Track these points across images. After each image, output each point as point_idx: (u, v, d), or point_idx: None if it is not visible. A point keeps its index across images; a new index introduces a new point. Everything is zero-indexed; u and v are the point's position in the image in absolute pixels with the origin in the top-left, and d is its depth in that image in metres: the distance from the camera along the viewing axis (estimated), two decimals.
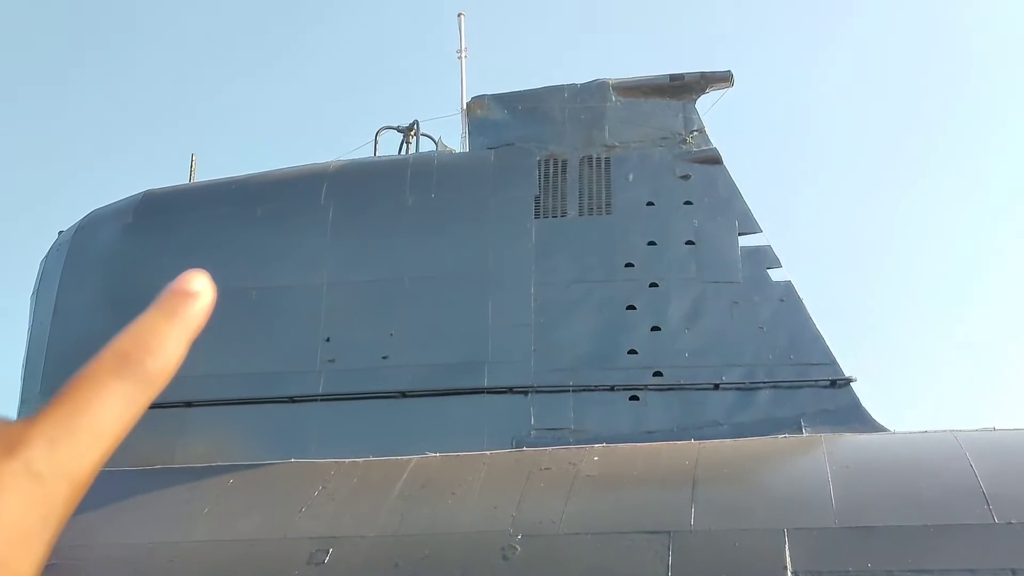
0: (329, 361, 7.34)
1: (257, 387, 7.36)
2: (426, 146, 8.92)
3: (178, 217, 8.25)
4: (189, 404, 7.49)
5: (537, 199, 7.54)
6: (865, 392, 6.68)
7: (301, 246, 7.79)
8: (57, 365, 8.21)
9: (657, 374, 6.83)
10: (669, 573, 4.86)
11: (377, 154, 8.75)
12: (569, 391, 6.86)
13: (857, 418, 6.51)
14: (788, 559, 4.77)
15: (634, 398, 6.79)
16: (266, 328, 7.57)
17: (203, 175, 9.16)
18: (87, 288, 8.33)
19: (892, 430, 6.40)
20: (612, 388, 6.82)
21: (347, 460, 6.69)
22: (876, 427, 6.43)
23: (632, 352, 6.93)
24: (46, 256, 9.04)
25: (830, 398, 6.64)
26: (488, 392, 6.96)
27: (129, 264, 8.21)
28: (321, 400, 7.22)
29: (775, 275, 7.10)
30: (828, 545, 4.83)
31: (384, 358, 7.24)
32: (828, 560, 4.73)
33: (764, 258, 7.13)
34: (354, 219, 7.79)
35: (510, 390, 6.94)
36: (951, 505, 4.92)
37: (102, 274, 8.32)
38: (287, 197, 8.07)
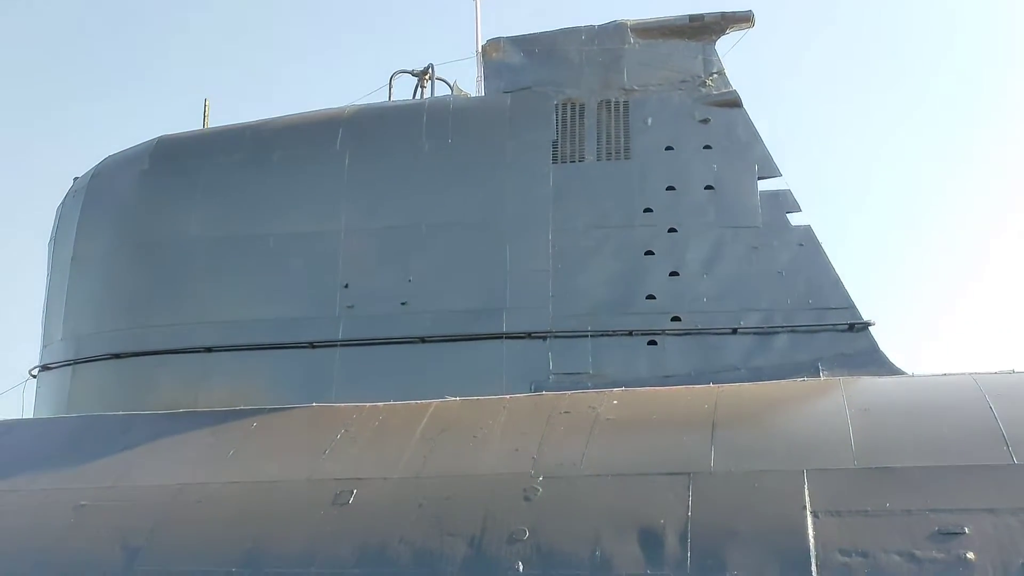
0: (348, 307, 7.39)
1: (277, 333, 7.43)
2: (441, 90, 8.83)
3: (194, 163, 8.24)
4: (210, 350, 7.58)
5: (554, 144, 7.48)
6: (883, 336, 6.71)
7: (318, 192, 7.79)
8: (78, 311, 8.30)
9: (675, 319, 6.86)
10: (689, 513, 4.94)
11: (391, 99, 8.67)
12: (587, 336, 6.90)
13: (875, 362, 6.54)
14: (807, 499, 4.84)
15: (652, 343, 6.83)
16: (285, 275, 7.61)
17: (216, 121, 9.13)
18: (105, 234, 8.37)
19: (910, 373, 6.43)
20: (630, 333, 6.86)
21: (368, 404, 6.78)
22: (894, 370, 6.46)
23: (650, 297, 6.95)
24: (62, 203, 9.08)
25: (848, 342, 6.66)
26: (507, 337, 7.00)
27: (146, 210, 8.24)
28: (341, 345, 7.29)
29: (794, 219, 7.07)
30: (847, 485, 4.89)
31: (403, 304, 7.29)
32: (847, 500, 4.80)
33: (784, 202, 7.09)
34: (370, 165, 7.76)
35: (528, 335, 6.98)
36: (969, 446, 4.97)
37: (119, 220, 8.36)
38: (303, 143, 8.03)
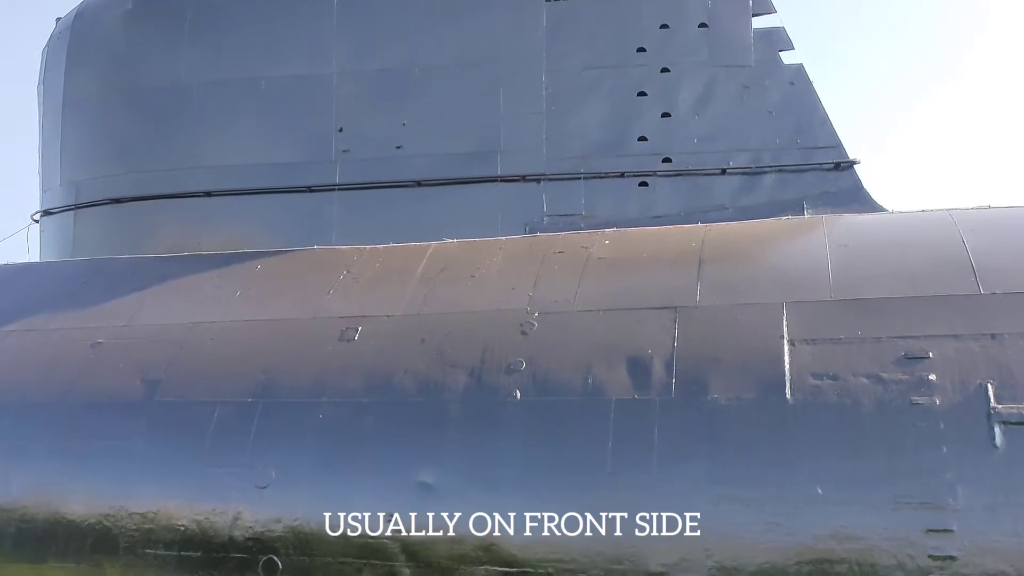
0: (344, 151, 7.49)
1: (275, 177, 7.56)
2: None
3: (179, 3, 8.08)
4: (209, 194, 7.72)
5: None
6: (869, 174, 6.90)
7: (308, 35, 7.71)
8: (75, 156, 8.37)
9: (666, 160, 7.00)
10: (675, 344, 5.28)
11: None
12: (580, 178, 7.06)
13: (858, 199, 6.75)
14: (785, 329, 5.17)
15: (643, 184, 7.01)
16: (278, 119, 7.65)
17: None
18: (94, 77, 8.33)
19: (891, 210, 6.66)
20: (622, 175, 7.02)
21: (368, 246, 7.01)
22: (876, 208, 6.69)
23: (642, 139, 7.06)
24: (47, 44, 8.94)
25: (833, 180, 6.85)
26: (501, 180, 7.16)
27: (133, 51, 8.17)
28: (338, 189, 7.44)
29: (787, 58, 7.08)
30: (823, 316, 5.20)
31: (398, 148, 7.38)
32: (822, 329, 5.12)
33: (777, 40, 7.08)
34: (360, 6, 7.65)
35: (522, 178, 7.13)
36: (941, 278, 5.25)
37: (107, 63, 8.29)
38: None
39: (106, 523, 5.66)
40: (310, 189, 7.50)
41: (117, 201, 8.00)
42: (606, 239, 6.50)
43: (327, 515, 5.31)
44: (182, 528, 5.53)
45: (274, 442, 5.60)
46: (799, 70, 7.03)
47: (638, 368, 5.20)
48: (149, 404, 6.01)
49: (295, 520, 5.35)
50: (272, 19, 7.79)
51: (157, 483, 5.70)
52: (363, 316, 6.13)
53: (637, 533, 4.75)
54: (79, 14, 8.59)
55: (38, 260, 8.61)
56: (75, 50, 8.47)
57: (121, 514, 5.64)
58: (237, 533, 5.41)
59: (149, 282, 7.17)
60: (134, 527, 5.61)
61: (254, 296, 6.71)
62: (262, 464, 5.53)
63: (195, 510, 5.54)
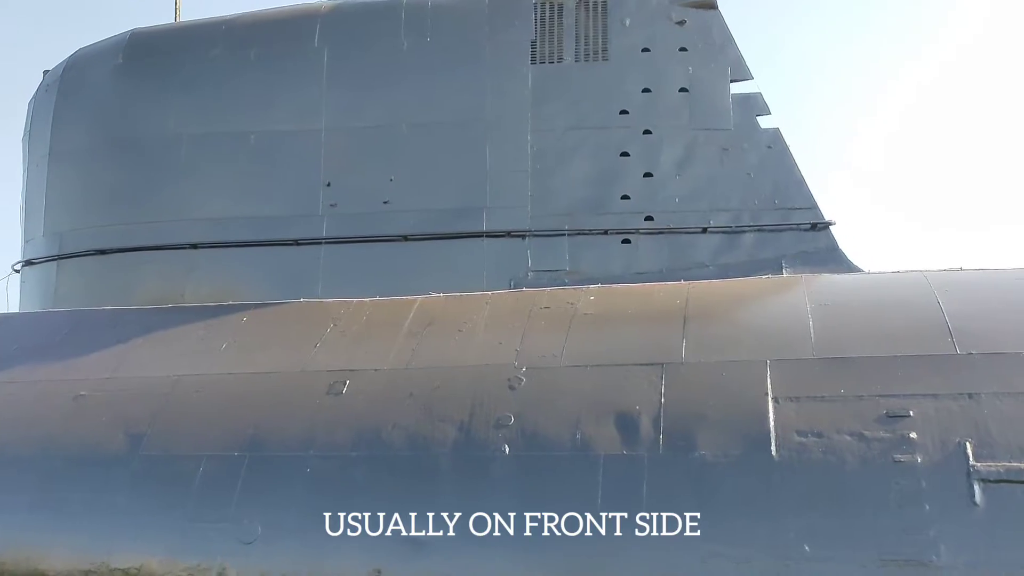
0: (331, 205, 7.58)
1: (262, 230, 7.62)
2: None
3: (169, 58, 8.21)
4: (195, 246, 7.76)
5: (533, 44, 7.59)
6: (843, 236, 7.13)
7: (297, 91, 7.85)
8: (60, 206, 8.38)
9: (648, 218, 7.18)
10: (662, 400, 5.37)
11: None
12: (565, 235, 7.20)
13: (834, 259, 6.96)
14: (769, 386, 5.28)
15: (626, 241, 7.17)
16: (267, 173, 7.75)
17: (188, 15, 9.02)
18: (81, 129, 8.39)
19: (866, 270, 6.87)
20: (606, 232, 7.17)
21: (355, 300, 7.07)
22: (852, 268, 6.89)
23: (625, 197, 7.24)
24: (34, 96, 9.00)
25: (810, 240, 7.06)
26: (487, 236, 7.28)
27: (123, 104, 8.25)
28: (325, 243, 7.51)
29: (764, 122, 7.33)
30: (806, 374, 5.33)
31: (385, 203, 7.49)
32: (805, 387, 5.24)
33: (754, 105, 7.34)
34: (349, 64, 7.82)
35: (508, 234, 7.26)
36: (918, 338, 5.41)
37: (95, 115, 8.36)
38: (280, 40, 8.03)
39: None
40: (297, 242, 7.56)
41: (101, 252, 8.00)
42: (591, 295, 6.62)
43: (314, 571, 5.28)
44: None
45: (261, 497, 5.58)
46: (776, 134, 7.28)
47: (626, 424, 5.28)
48: (133, 458, 5.96)
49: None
50: (262, 75, 7.94)
51: (140, 538, 5.63)
52: (351, 370, 6.17)
53: None
54: (68, 67, 8.68)
55: (18, 311, 8.55)
56: (63, 101, 8.53)
57: (102, 570, 5.56)
58: None
59: (133, 334, 7.15)
60: None
61: (240, 349, 6.72)
62: (248, 519, 5.50)
63: (178, 566, 5.48)
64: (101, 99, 8.33)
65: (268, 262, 7.60)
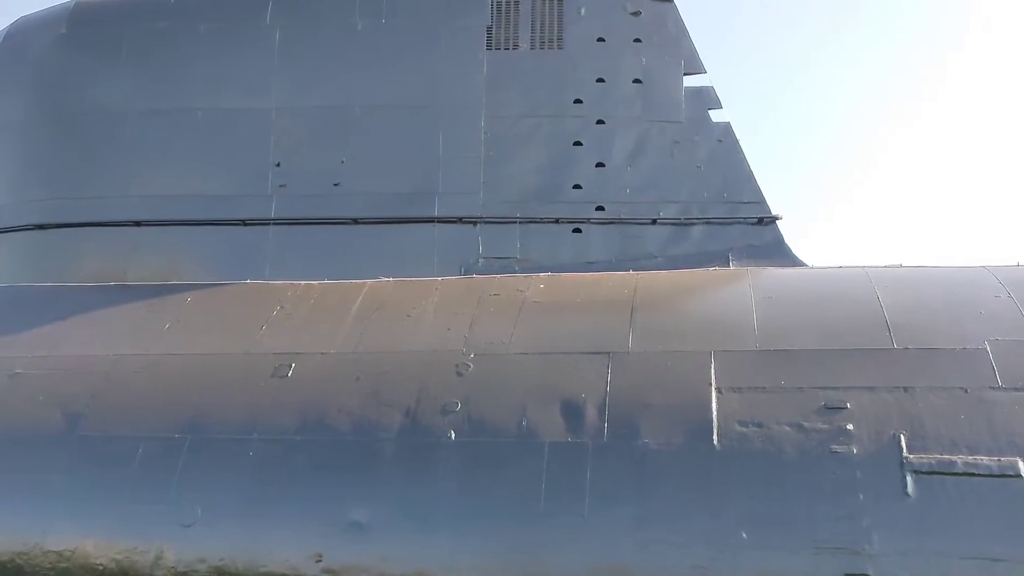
0: (280, 186, 7.48)
1: (209, 209, 7.49)
2: None
3: (115, 30, 8.01)
4: (139, 223, 7.59)
5: (489, 30, 7.56)
6: (788, 230, 7.25)
7: (248, 68, 7.72)
8: (3, 175, 8.12)
9: (600, 208, 7.22)
10: (608, 388, 5.42)
11: None
12: (516, 222, 7.21)
13: (780, 253, 7.08)
14: (713, 377, 5.36)
15: (577, 231, 7.20)
16: (215, 151, 7.61)
17: None
18: (22, 100, 8.14)
19: (810, 265, 7.00)
20: (557, 221, 7.19)
21: (303, 282, 6.99)
22: (796, 262, 7.02)
23: (577, 187, 7.27)
24: None
25: (757, 234, 7.17)
26: (438, 221, 7.25)
27: (65, 76, 8.03)
28: (274, 224, 7.41)
29: (715, 116, 7.41)
30: (749, 365, 5.42)
31: (336, 185, 7.41)
32: (748, 378, 5.33)
33: (706, 99, 7.41)
34: (301, 43, 7.71)
35: (460, 220, 7.24)
36: (858, 332, 5.53)
37: (37, 86, 8.12)
38: (230, 16, 7.88)
39: (19, 561, 5.44)
40: (244, 223, 7.44)
41: (40, 227, 7.78)
42: (541, 283, 6.64)
43: (254, 555, 5.22)
44: (100, 567, 5.35)
45: (201, 479, 5.50)
46: (727, 128, 7.36)
47: (572, 411, 5.31)
48: (70, 438, 5.83)
49: (220, 560, 5.25)
50: (212, 51, 7.78)
51: (75, 520, 5.51)
52: (297, 353, 6.10)
53: (567, 574, 4.82)
54: (9, 35, 8.40)
55: None
56: (2, 71, 8.27)
57: (36, 552, 5.44)
58: (159, 573, 5.27)
59: (72, 311, 6.98)
60: (49, 566, 5.41)
61: (183, 329, 6.60)
62: (188, 502, 5.42)
63: (115, 548, 5.38)
64: (43, 70, 8.09)
65: (214, 242, 7.47)
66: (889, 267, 6.56)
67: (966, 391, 5.03)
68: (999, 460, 4.70)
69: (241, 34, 7.77)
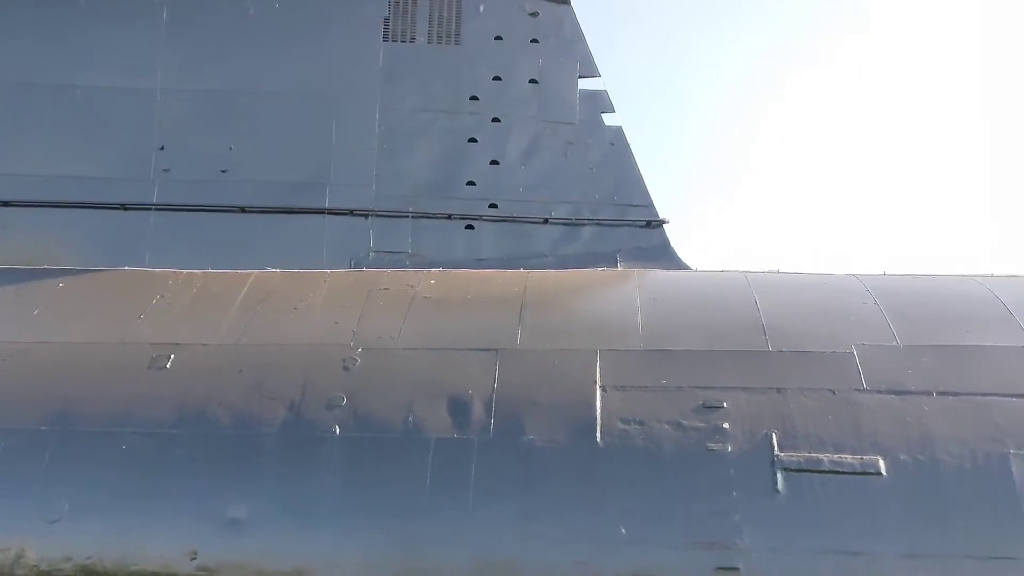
0: (164, 170, 7.21)
1: (86, 191, 7.15)
2: None
3: None
4: (7, 203, 7.18)
5: (386, 21, 7.49)
6: (674, 234, 7.49)
7: (132, 46, 7.41)
8: None
9: (492, 206, 7.26)
10: (495, 385, 5.46)
11: None
12: (408, 217, 7.17)
13: (666, 256, 7.29)
14: (598, 375, 5.48)
15: (469, 227, 7.22)
16: (94, 130, 7.27)
17: None
18: None
19: (694, 268, 7.23)
20: (449, 217, 7.19)
21: (185, 271, 6.76)
22: (681, 265, 7.24)
23: (471, 184, 7.28)
24: None
25: (645, 237, 7.36)
26: (329, 213, 7.14)
27: None
28: (156, 209, 7.14)
29: (608, 119, 7.57)
30: (632, 364, 5.56)
31: (223, 171, 7.20)
32: (631, 377, 5.47)
33: (600, 102, 7.56)
34: (191, 22, 7.45)
35: (351, 212, 7.15)
36: (736, 334, 5.75)
37: None
38: None
39: None
40: (124, 207, 7.14)
41: None
42: (432, 278, 6.63)
43: (124, 552, 5.03)
44: None
45: (69, 473, 5.25)
46: (619, 132, 7.53)
47: (458, 408, 5.33)
48: None
49: (88, 558, 5.02)
50: (92, 25, 7.44)
51: None
52: (176, 344, 5.90)
53: (451, 569, 4.84)
54: None
55: None
56: None
57: None
58: (20, 572, 5.00)
59: None
60: None
61: (55, 316, 6.28)
62: (54, 496, 5.16)
63: None
64: None
65: (91, 226, 7.14)
66: (767, 272, 6.84)
67: (834, 393, 5.30)
68: (862, 458, 4.97)
69: (126, 9, 7.45)
